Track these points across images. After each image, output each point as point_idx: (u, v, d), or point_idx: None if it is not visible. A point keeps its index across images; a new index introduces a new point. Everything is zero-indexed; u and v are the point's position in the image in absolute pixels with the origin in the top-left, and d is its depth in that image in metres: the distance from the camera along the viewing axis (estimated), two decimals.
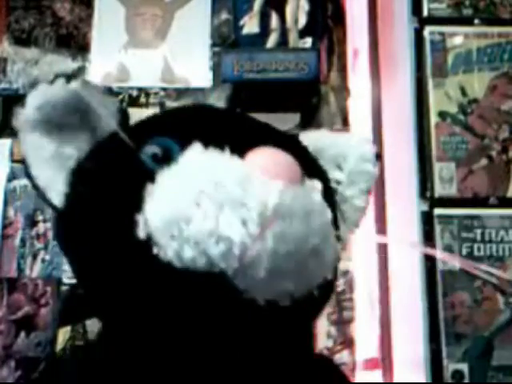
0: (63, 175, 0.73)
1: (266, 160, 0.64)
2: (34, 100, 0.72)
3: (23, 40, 1.71)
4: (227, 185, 0.61)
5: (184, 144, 0.67)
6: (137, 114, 1.64)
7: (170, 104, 1.67)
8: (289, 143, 0.72)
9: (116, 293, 0.68)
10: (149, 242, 0.64)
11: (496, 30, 1.51)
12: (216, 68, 1.66)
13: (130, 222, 0.65)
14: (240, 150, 0.65)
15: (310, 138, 0.79)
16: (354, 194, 0.78)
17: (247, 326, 0.65)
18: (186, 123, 0.73)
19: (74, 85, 0.72)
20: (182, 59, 1.70)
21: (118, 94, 1.67)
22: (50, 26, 1.72)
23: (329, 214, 0.65)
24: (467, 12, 1.52)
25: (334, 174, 0.78)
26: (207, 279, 0.62)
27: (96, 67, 1.70)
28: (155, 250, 0.63)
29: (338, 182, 0.78)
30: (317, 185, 0.66)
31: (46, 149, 0.73)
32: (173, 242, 0.62)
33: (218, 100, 1.66)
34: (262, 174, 0.62)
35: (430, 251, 1.26)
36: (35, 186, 0.74)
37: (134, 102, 1.67)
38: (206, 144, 0.66)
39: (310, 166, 0.71)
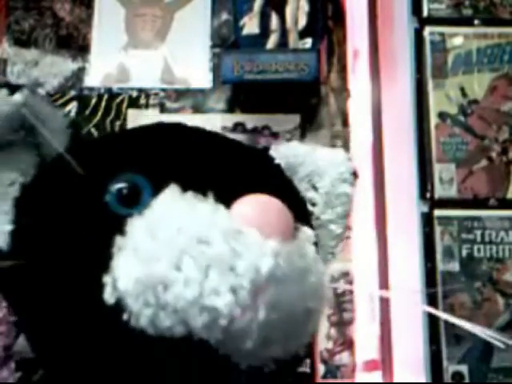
0: (5, 207, 0.62)
1: (257, 212, 0.55)
2: None
3: (23, 41, 1.71)
4: (214, 243, 0.53)
5: (156, 182, 0.58)
6: (137, 115, 1.64)
7: (171, 105, 1.67)
8: (264, 166, 0.65)
9: (76, 363, 0.58)
10: (117, 306, 0.55)
11: (496, 30, 1.51)
12: (216, 69, 1.66)
13: (93, 280, 0.56)
14: (223, 194, 0.56)
15: (284, 153, 0.71)
16: (331, 218, 0.70)
17: None
18: (157, 154, 0.63)
19: (18, 97, 0.61)
20: (182, 60, 1.70)
21: (118, 95, 1.67)
22: (50, 27, 1.72)
23: (323, 268, 0.58)
24: (467, 12, 1.52)
25: (309, 195, 0.71)
26: (183, 344, 0.54)
27: (96, 68, 1.70)
28: (125, 316, 0.55)
29: (314, 204, 0.71)
30: (309, 234, 0.58)
31: None
32: (147, 308, 0.53)
33: (218, 101, 1.66)
34: (253, 230, 0.54)
35: (433, 311, 1.23)
36: None
37: (133, 102, 1.67)
38: (183, 184, 0.57)
39: (286, 191, 0.63)
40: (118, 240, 0.56)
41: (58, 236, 0.59)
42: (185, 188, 0.57)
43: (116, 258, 0.55)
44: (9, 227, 0.61)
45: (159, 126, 0.68)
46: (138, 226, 0.56)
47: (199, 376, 0.56)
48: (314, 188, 0.70)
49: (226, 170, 0.63)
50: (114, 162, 0.62)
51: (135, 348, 0.56)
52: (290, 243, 0.55)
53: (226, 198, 0.56)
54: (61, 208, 0.60)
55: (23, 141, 0.63)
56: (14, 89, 0.62)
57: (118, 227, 0.56)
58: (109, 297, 0.55)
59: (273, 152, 0.71)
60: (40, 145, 0.64)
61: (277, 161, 0.70)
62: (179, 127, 0.68)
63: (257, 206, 0.56)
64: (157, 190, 0.58)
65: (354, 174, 0.73)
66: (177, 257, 0.53)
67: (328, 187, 0.70)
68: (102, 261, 0.55)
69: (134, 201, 0.58)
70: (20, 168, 0.63)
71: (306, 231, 0.58)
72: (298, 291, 0.55)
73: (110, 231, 0.56)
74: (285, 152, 0.72)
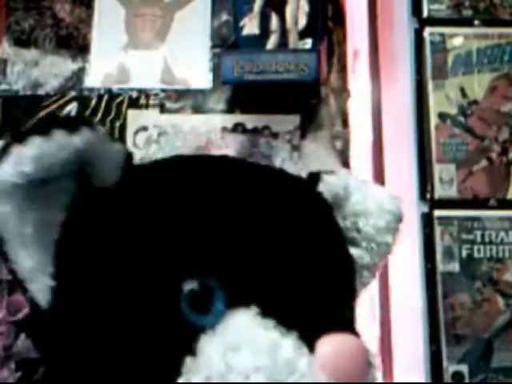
0: (48, 257, 0.55)
1: (341, 366, 0.52)
2: (20, 159, 0.53)
3: (23, 41, 1.71)
4: None
5: (230, 288, 0.54)
6: (137, 116, 1.64)
7: (171, 105, 1.67)
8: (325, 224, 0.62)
9: None
10: None
11: (496, 31, 1.51)
12: (216, 69, 1.66)
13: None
14: (305, 322, 0.54)
15: (335, 185, 0.68)
16: (368, 265, 0.70)
17: None
18: (233, 251, 0.55)
19: (78, 141, 0.54)
20: (182, 60, 1.70)
21: (118, 95, 1.67)
22: (50, 27, 1.72)
23: None
24: (467, 13, 1.52)
25: (351, 234, 0.68)
26: None
27: (96, 68, 1.70)
28: None
29: (355, 244, 0.69)
30: (376, 373, 0.56)
31: (28, 221, 0.54)
32: None
33: (218, 101, 1.66)
34: (333, 377, 0.52)
35: None
36: (13, 273, 0.56)
37: (134, 103, 1.67)
38: (261, 298, 0.54)
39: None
40: (189, 361, 0.52)
41: (112, 315, 0.54)
42: (263, 304, 0.54)
43: (185, 379, 0.52)
44: (50, 282, 0.55)
45: (242, 209, 0.58)
46: (212, 350, 0.52)
47: None
48: (358, 230, 0.68)
49: (314, 296, 0.58)
50: (189, 257, 0.55)
51: None
52: None
53: (309, 331, 0.53)
54: (113, 280, 0.54)
55: (71, 173, 0.57)
56: (72, 125, 0.55)
57: (188, 339, 0.53)
58: None
59: (323, 186, 0.67)
60: (90, 176, 0.58)
61: (325, 194, 0.66)
62: (265, 215, 0.58)
63: (342, 359, 0.53)
64: (230, 297, 0.54)
65: (400, 220, 0.71)
66: None
67: (372, 235, 0.69)
68: (168, 376, 0.52)
69: (205, 307, 0.54)
70: (64, 202, 0.57)
71: (374, 369, 0.56)
72: None
73: (179, 341, 0.53)
74: (336, 184, 0.68)
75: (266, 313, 0.53)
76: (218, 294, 0.53)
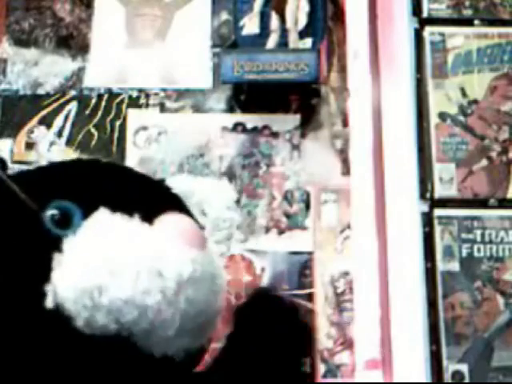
0: None
1: (177, 228, 0.68)
2: None
3: (23, 41, 1.71)
4: (144, 255, 0.64)
5: (86, 208, 0.68)
6: (137, 115, 1.64)
7: (171, 105, 1.67)
8: (168, 191, 0.78)
9: (18, 362, 0.65)
10: (57, 310, 0.63)
11: (496, 30, 1.51)
12: (216, 69, 1.66)
13: (35, 291, 0.64)
14: (144, 214, 0.68)
15: (177, 183, 0.82)
16: (218, 239, 0.85)
17: (142, 376, 0.67)
18: (85, 185, 0.73)
19: None
20: (182, 60, 1.70)
21: (118, 95, 1.67)
22: (49, 27, 1.72)
23: (225, 275, 0.72)
24: (467, 12, 1.52)
25: (199, 219, 0.82)
26: (112, 341, 0.64)
27: (96, 68, 1.70)
28: (63, 319, 0.63)
29: (202, 227, 0.82)
30: (213, 246, 0.70)
31: None
32: (84, 311, 0.63)
33: (218, 101, 1.67)
34: (176, 242, 0.66)
35: None
36: None
37: (134, 102, 1.67)
38: (110, 207, 0.68)
39: (188, 213, 0.77)
40: (57, 256, 0.65)
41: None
42: (109, 207, 0.68)
43: (56, 271, 0.64)
44: None
45: (79, 163, 0.81)
46: (73, 243, 0.65)
47: (124, 366, 0.66)
48: (204, 214, 0.81)
49: (143, 196, 0.74)
50: (48, 191, 0.71)
51: (72, 345, 0.64)
52: (203, 252, 0.68)
53: (148, 217, 0.68)
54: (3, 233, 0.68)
55: None
56: None
57: (56, 246, 0.65)
58: (49, 303, 0.64)
59: (168, 183, 0.82)
60: None
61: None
62: (97, 163, 0.79)
63: (176, 223, 0.68)
64: (87, 213, 0.68)
65: (237, 202, 0.87)
66: (111, 266, 0.63)
67: (216, 214, 0.87)
68: (43, 274, 0.64)
69: (67, 223, 0.67)
70: None
71: (211, 244, 0.71)
72: (209, 290, 0.68)
73: (49, 249, 0.65)
74: (177, 183, 0.82)
75: (113, 211, 0.68)
76: (75, 212, 0.67)
